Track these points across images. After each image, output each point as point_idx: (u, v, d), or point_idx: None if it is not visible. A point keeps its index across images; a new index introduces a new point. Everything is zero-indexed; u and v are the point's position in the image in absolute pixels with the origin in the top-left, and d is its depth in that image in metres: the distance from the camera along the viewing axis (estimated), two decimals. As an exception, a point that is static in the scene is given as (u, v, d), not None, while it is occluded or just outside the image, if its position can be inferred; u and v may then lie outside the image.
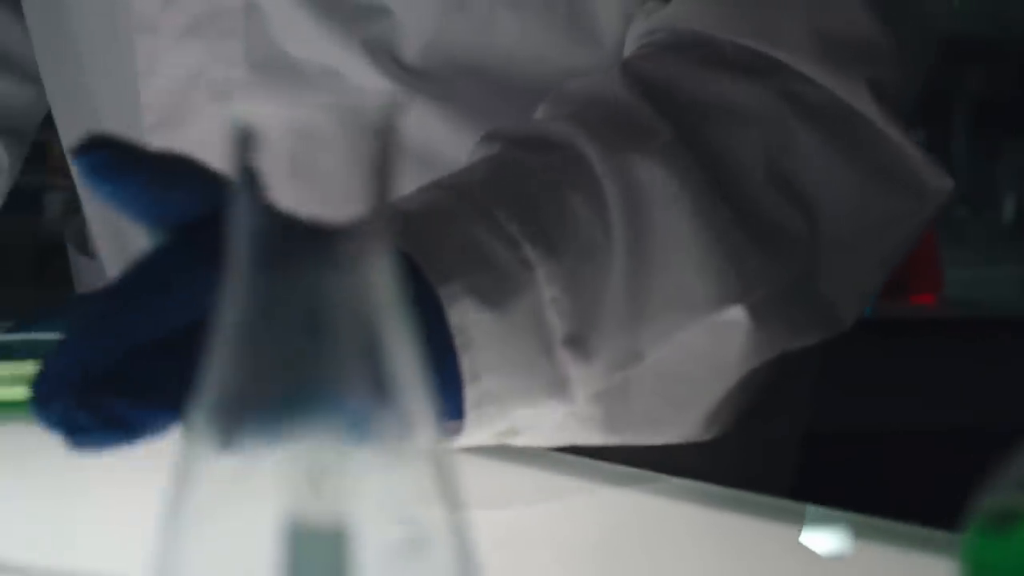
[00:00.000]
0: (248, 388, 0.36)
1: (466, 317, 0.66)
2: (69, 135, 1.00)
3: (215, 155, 0.88)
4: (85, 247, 1.06)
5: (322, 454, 0.35)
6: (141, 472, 0.53)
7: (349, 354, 0.37)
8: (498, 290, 0.67)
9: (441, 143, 0.85)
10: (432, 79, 0.86)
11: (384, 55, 0.86)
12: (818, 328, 0.79)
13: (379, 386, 0.37)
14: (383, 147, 0.39)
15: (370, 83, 0.86)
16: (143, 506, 0.45)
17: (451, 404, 0.66)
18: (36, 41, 1.00)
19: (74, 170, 0.55)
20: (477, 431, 0.68)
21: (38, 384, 0.52)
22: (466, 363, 0.66)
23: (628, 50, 0.85)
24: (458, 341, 0.66)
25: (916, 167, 0.80)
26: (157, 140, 0.89)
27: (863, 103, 0.79)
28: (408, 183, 0.68)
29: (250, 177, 0.38)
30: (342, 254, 0.38)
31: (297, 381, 0.36)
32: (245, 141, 0.39)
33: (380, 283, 0.38)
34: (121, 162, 0.54)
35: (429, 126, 0.86)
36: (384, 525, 0.35)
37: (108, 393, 0.51)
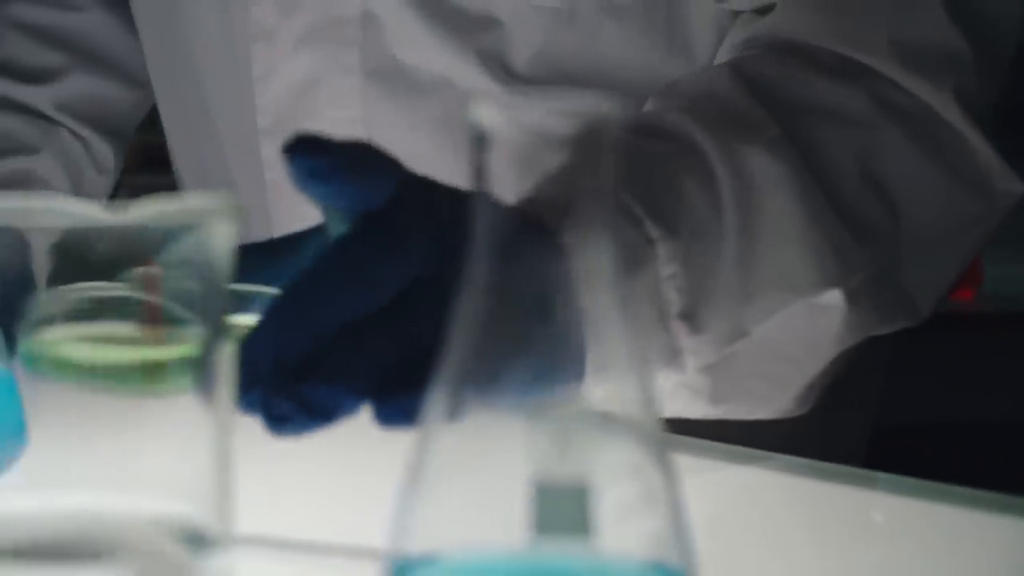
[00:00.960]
0: (489, 364, 0.41)
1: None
2: (179, 136, 1.05)
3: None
4: None
5: (563, 422, 0.40)
6: (380, 442, 0.56)
7: (573, 332, 0.42)
8: (624, 264, 0.73)
9: (552, 145, 0.90)
10: (540, 86, 0.91)
11: (495, 64, 0.91)
12: (901, 316, 0.85)
13: (600, 360, 0.42)
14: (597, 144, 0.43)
15: (483, 91, 0.91)
16: (383, 476, 0.49)
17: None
18: (148, 47, 1.04)
19: (289, 169, 0.59)
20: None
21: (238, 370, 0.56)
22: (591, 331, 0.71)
23: (723, 56, 0.90)
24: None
25: (991, 171, 0.86)
26: (271, 143, 0.95)
27: (946, 109, 0.85)
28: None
29: (484, 175, 0.43)
30: (565, 243, 0.43)
31: (530, 357, 0.41)
32: (480, 141, 0.43)
33: (597, 267, 0.43)
34: (331, 163, 0.58)
35: (538, 130, 0.91)
36: (617, 483, 0.40)
37: (305, 379, 0.55)
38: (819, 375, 0.84)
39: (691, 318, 0.77)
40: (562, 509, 0.40)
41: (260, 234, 0.98)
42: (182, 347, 0.46)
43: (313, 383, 0.55)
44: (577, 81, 0.92)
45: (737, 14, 0.90)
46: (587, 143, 0.44)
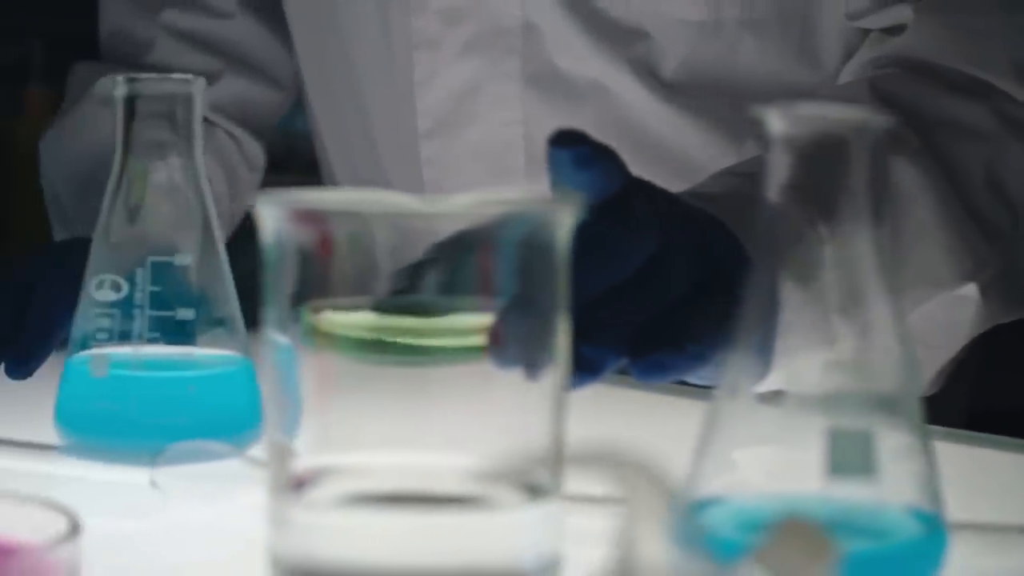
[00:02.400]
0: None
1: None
2: (333, 137, 1.12)
3: (487, 159, 1.00)
4: None
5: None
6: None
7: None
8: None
9: (693, 147, 0.99)
10: (685, 93, 0.99)
11: (645, 71, 0.98)
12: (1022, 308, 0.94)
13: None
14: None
15: (633, 96, 0.98)
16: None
17: (764, 356, 0.79)
18: (303, 52, 1.11)
19: (552, 156, 0.66)
20: (777, 379, 0.81)
21: None
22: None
23: (852, 70, 0.97)
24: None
25: None
26: (431, 145, 1.02)
27: None
28: (668, 179, 0.80)
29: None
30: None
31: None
32: (762, 141, 0.51)
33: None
34: (591, 153, 0.66)
35: (683, 133, 0.99)
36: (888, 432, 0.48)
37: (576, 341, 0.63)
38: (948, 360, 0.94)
39: (845, 311, 0.85)
40: (852, 452, 0.48)
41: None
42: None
43: (583, 343, 0.62)
44: (717, 88, 0.99)
45: (866, 32, 0.98)
46: (852, 146, 0.51)
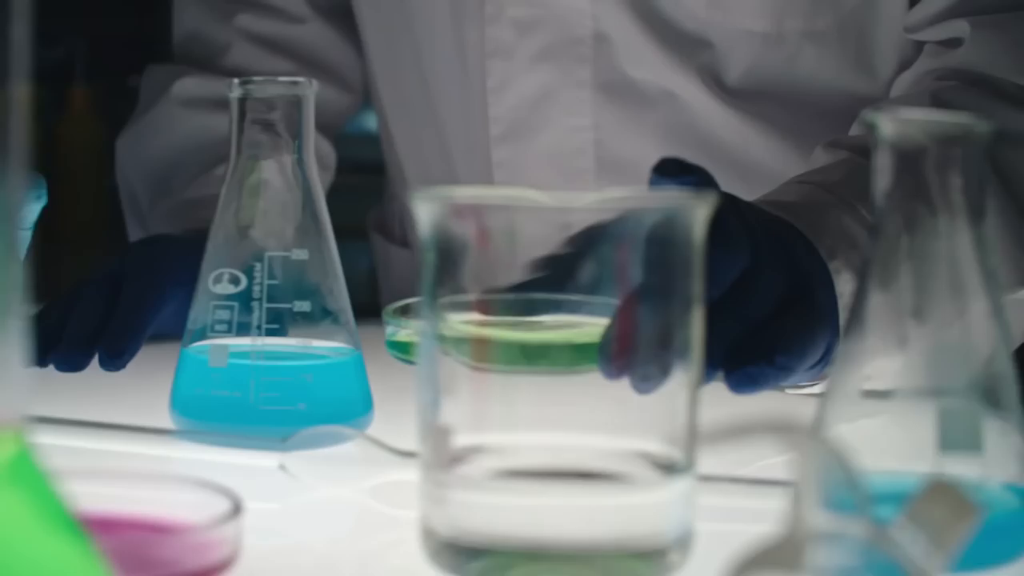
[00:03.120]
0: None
1: (846, 287, 0.82)
2: (407, 141, 1.16)
3: (558, 163, 1.04)
4: (392, 235, 1.22)
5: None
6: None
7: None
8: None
9: (755, 150, 1.03)
10: (748, 100, 1.03)
11: (711, 79, 1.02)
12: None
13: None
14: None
15: (698, 103, 1.03)
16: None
17: (828, 354, 0.82)
18: (376, 57, 1.15)
19: (656, 181, 0.70)
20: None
21: None
22: (844, 320, 0.82)
23: (909, 81, 1.01)
24: (840, 303, 0.82)
25: None
26: (503, 149, 1.06)
27: None
28: (731, 181, 0.84)
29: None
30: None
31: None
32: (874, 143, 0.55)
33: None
34: (696, 180, 0.69)
35: (746, 137, 1.03)
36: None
37: None
38: None
39: (917, 313, 0.89)
40: (961, 430, 0.52)
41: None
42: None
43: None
44: (778, 95, 1.03)
45: (920, 44, 1.02)
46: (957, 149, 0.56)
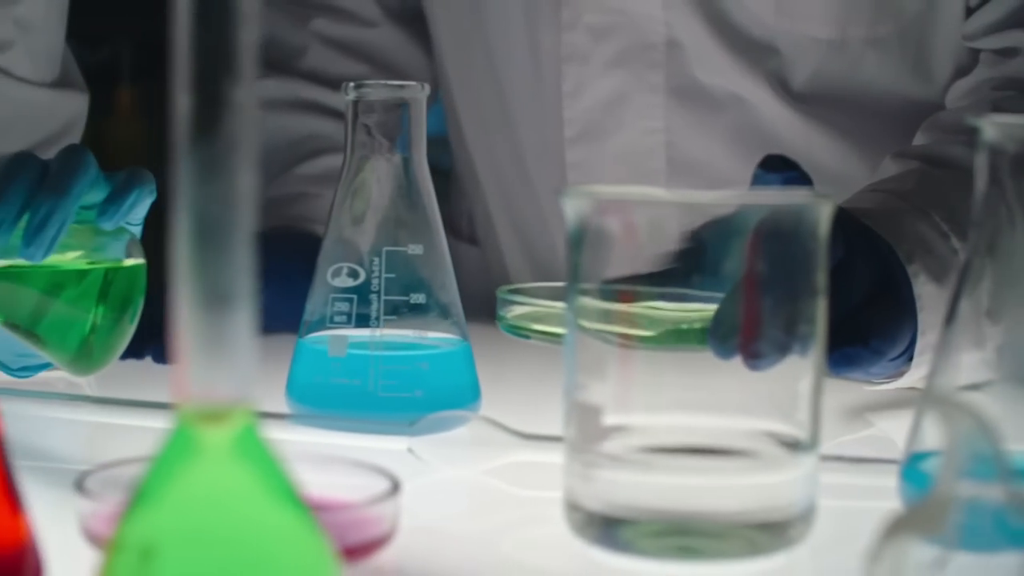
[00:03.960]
0: None
1: (923, 288, 0.86)
2: (479, 142, 1.20)
3: (630, 163, 1.09)
4: (460, 233, 1.26)
5: None
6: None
7: None
8: (939, 269, 0.88)
9: (818, 152, 1.07)
10: (812, 103, 1.07)
11: (777, 84, 1.07)
12: None
13: None
14: None
15: (765, 106, 1.07)
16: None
17: (910, 348, 0.87)
18: (450, 61, 1.19)
19: (762, 177, 0.74)
20: (915, 374, 0.88)
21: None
22: (921, 321, 0.86)
23: (965, 89, 1.06)
24: (918, 305, 0.86)
25: None
26: (577, 150, 1.10)
27: None
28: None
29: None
30: None
31: None
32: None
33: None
34: (798, 176, 0.74)
35: (809, 139, 1.07)
36: None
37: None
38: None
39: (992, 313, 0.92)
40: None
41: (560, 228, 1.14)
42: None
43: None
44: (841, 99, 1.08)
45: (975, 51, 1.07)
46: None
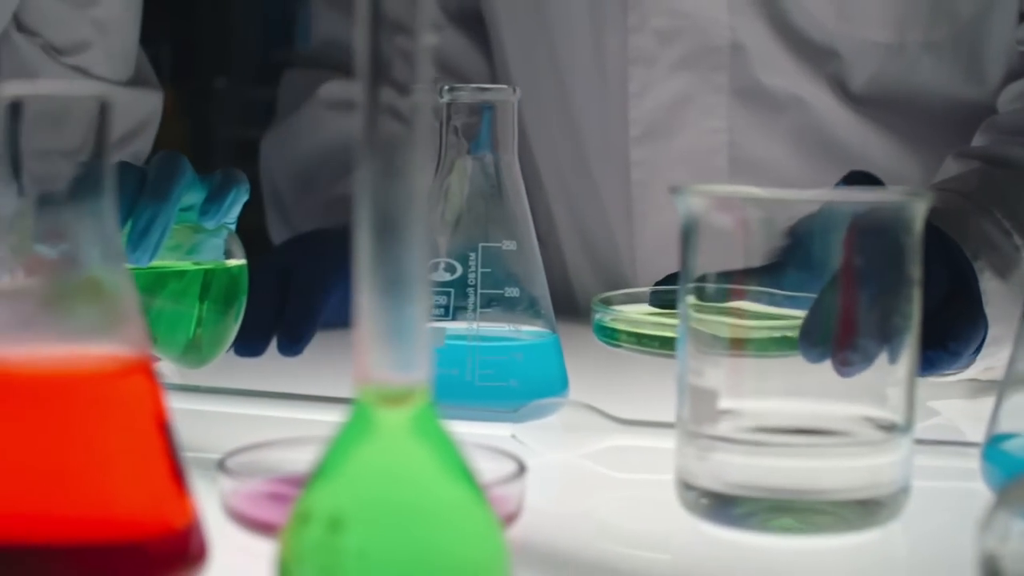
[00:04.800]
0: None
1: (988, 284, 0.90)
2: (542, 141, 1.23)
3: (693, 162, 1.12)
4: None
5: None
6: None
7: None
8: (1003, 265, 0.92)
9: (875, 152, 1.11)
10: (870, 105, 1.11)
11: (837, 86, 1.11)
12: None
13: None
14: None
15: (825, 108, 1.11)
16: None
17: (981, 345, 0.90)
18: (514, 64, 1.23)
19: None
20: (979, 365, 0.92)
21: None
22: (987, 315, 0.90)
23: (1016, 92, 1.10)
24: (984, 299, 0.90)
25: None
26: (641, 149, 1.14)
27: None
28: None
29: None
30: None
31: None
32: None
33: None
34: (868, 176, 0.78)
35: (867, 140, 1.11)
36: None
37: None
38: None
39: None
40: None
41: (621, 226, 1.18)
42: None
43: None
44: (897, 101, 1.12)
45: None
46: None
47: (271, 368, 0.95)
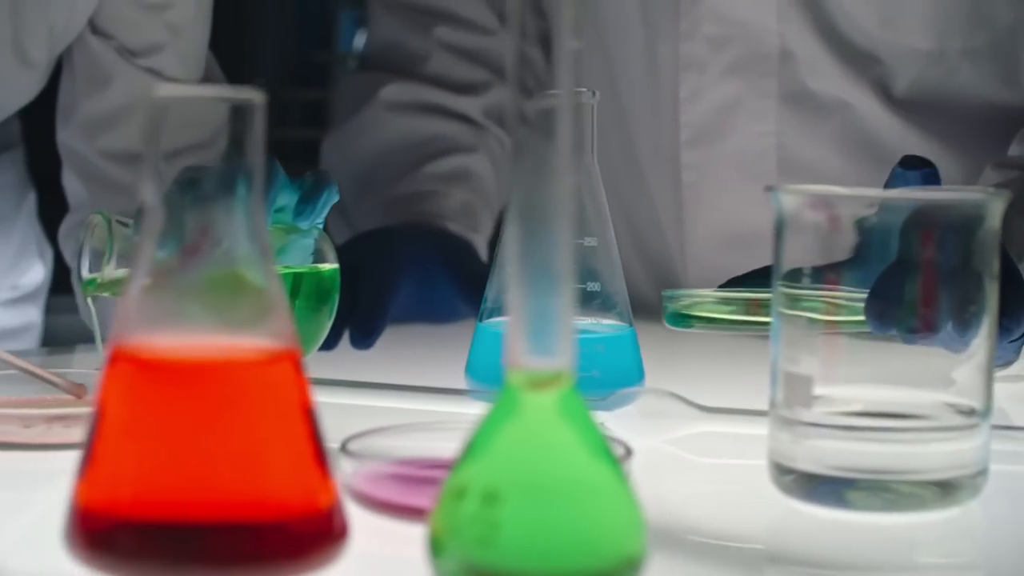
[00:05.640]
0: None
1: None
2: (596, 146, 1.27)
3: (742, 164, 1.17)
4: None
5: None
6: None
7: None
8: None
9: (917, 154, 1.16)
10: (911, 109, 1.16)
11: (880, 91, 1.16)
12: None
13: None
14: None
15: (869, 111, 1.16)
16: None
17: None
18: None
19: (904, 175, 0.82)
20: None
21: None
22: None
23: None
24: None
25: None
26: (692, 152, 1.18)
27: None
28: None
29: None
30: None
31: None
32: None
33: None
34: (936, 173, 0.82)
35: (908, 142, 1.16)
36: None
37: None
38: None
39: None
40: None
41: (672, 226, 1.22)
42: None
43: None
44: (938, 105, 1.16)
45: None
46: None
47: (345, 360, 1.00)
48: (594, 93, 0.90)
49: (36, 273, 1.35)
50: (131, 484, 0.56)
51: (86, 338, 1.12)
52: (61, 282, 1.39)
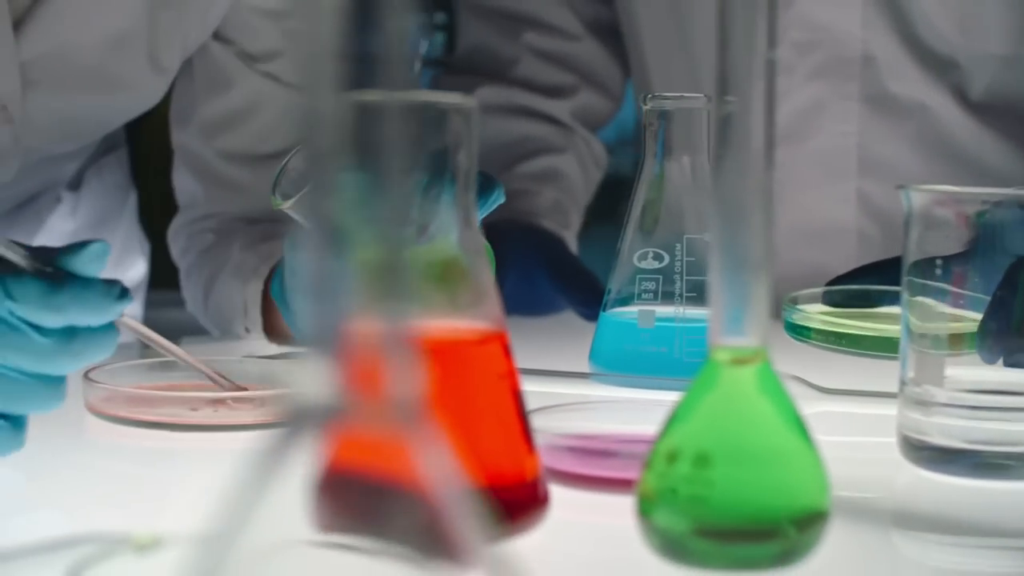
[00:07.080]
0: None
1: None
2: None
3: (825, 163, 1.23)
4: None
5: None
6: None
7: None
8: None
9: (990, 155, 1.23)
10: (987, 112, 1.23)
11: (958, 94, 1.22)
12: None
13: None
14: None
15: (946, 114, 1.22)
16: None
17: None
18: (655, 73, 1.33)
19: None
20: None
21: None
22: None
23: None
24: None
25: None
26: (778, 152, 1.25)
27: None
28: (970, 182, 1.03)
29: None
30: None
31: None
32: None
33: None
34: None
35: (984, 144, 1.23)
36: None
37: None
38: None
39: None
40: None
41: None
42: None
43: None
44: (1011, 108, 1.23)
45: None
46: None
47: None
48: (709, 98, 0.96)
49: (138, 269, 1.42)
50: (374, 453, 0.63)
51: (184, 331, 1.18)
52: (159, 277, 1.45)
